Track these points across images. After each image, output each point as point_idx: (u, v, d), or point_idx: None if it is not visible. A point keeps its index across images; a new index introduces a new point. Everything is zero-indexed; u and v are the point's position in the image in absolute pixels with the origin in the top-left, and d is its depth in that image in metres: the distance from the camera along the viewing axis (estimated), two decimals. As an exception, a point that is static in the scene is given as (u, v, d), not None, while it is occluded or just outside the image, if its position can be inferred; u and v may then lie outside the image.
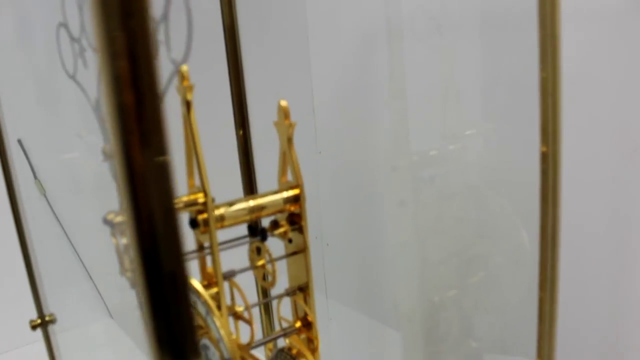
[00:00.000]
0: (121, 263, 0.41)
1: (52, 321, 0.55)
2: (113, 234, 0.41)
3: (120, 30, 0.19)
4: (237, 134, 0.67)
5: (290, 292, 0.52)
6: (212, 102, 0.88)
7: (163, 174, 0.20)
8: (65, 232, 1.58)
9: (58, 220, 1.58)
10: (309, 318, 0.52)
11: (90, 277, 1.53)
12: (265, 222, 0.52)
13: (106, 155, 0.40)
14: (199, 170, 0.43)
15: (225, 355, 0.41)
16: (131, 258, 0.42)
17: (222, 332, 0.40)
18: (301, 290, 0.52)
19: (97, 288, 1.54)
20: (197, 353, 0.22)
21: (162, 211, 0.21)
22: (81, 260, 1.55)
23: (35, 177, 1.55)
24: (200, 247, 0.47)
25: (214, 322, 0.41)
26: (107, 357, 1.35)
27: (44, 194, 1.56)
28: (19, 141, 1.52)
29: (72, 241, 1.57)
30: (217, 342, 0.41)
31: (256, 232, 0.49)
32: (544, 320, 0.47)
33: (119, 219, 0.39)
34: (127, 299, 1.45)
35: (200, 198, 0.43)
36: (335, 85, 0.81)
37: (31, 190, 1.55)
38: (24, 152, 1.52)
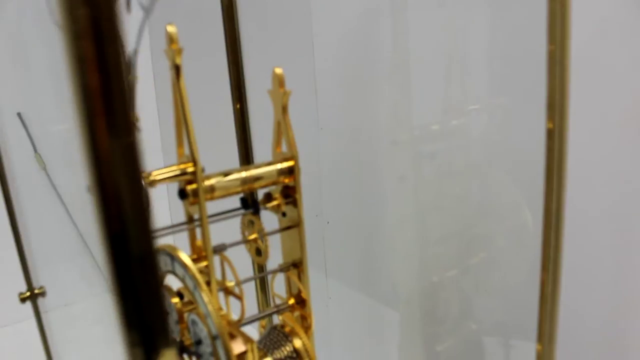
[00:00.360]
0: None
1: (42, 294, 0.54)
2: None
3: (83, 7, 0.17)
4: (234, 107, 0.65)
5: (284, 268, 0.50)
6: (209, 75, 0.86)
7: (129, 156, 0.19)
8: (65, 207, 1.57)
9: (58, 195, 1.57)
10: (303, 295, 0.51)
11: (89, 250, 1.52)
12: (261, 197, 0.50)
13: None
14: (188, 138, 0.41)
15: (213, 331, 0.39)
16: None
17: (209, 307, 0.39)
18: (295, 266, 0.50)
19: (96, 261, 1.53)
20: (167, 337, 0.21)
21: (129, 193, 0.20)
22: (80, 234, 1.54)
23: (35, 150, 1.54)
24: (190, 219, 0.45)
25: (201, 297, 0.40)
26: (104, 332, 1.35)
27: (44, 167, 1.55)
28: (19, 114, 1.50)
29: (72, 216, 1.57)
30: (204, 318, 0.40)
31: (249, 204, 0.48)
32: (545, 302, 0.45)
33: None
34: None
35: (190, 167, 0.41)
36: (337, 59, 0.79)
37: (31, 164, 1.54)
38: (24, 126, 1.51)
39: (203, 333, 0.41)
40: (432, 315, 0.74)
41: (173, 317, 0.46)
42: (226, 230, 0.49)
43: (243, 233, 0.50)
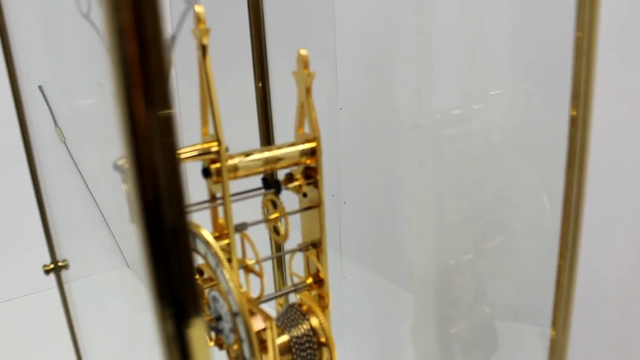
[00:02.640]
0: (131, 210, 0.40)
1: (65, 267, 0.56)
2: (124, 180, 0.40)
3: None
4: (256, 86, 0.66)
5: (303, 248, 0.51)
6: (231, 55, 0.87)
7: (166, 127, 0.20)
8: (84, 180, 1.59)
9: (77, 168, 1.59)
10: (321, 275, 0.52)
11: (107, 224, 1.54)
12: (280, 177, 0.51)
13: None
14: (214, 118, 0.42)
15: (234, 307, 0.40)
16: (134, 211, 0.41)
17: (230, 284, 0.40)
18: (314, 246, 0.51)
19: (113, 236, 1.56)
20: (198, 306, 0.21)
21: (165, 165, 0.20)
22: (99, 208, 1.56)
23: (55, 124, 1.55)
24: (213, 198, 0.46)
25: (223, 274, 0.40)
26: (123, 304, 1.37)
27: (64, 141, 1.57)
28: (40, 88, 1.52)
29: (91, 189, 1.59)
30: (225, 295, 0.41)
31: (270, 184, 0.48)
32: (562, 289, 0.45)
33: (122, 161, 0.38)
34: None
35: (214, 147, 0.42)
36: (359, 40, 0.78)
37: (52, 137, 1.56)
38: (45, 99, 1.52)
39: (224, 309, 0.42)
40: (446, 298, 0.75)
41: (194, 293, 0.47)
42: (246, 210, 0.49)
43: (264, 212, 0.50)
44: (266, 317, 0.43)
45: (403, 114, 0.65)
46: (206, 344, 0.22)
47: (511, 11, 0.58)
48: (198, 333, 0.22)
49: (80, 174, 1.58)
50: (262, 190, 0.48)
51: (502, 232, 0.68)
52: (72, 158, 1.57)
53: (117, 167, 0.39)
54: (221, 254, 0.41)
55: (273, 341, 0.43)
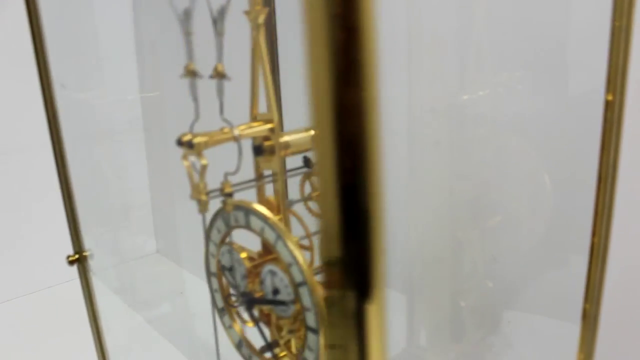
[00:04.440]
0: (194, 186, 0.41)
1: (90, 256, 0.55)
2: (185, 157, 0.40)
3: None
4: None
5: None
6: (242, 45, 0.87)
7: (370, 111, 0.20)
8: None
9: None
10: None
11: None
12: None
13: (189, 73, 0.40)
14: (268, 96, 0.43)
15: (299, 278, 0.41)
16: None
17: (296, 254, 0.41)
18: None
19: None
20: (383, 284, 0.22)
21: (366, 148, 0.20)
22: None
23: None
24: (260, 176, 0.47)
25: (285, 246, 0.42)
26: (159, 289, 1.33)
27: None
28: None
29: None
30: (288, 267, 0.42)
31: (309, 164, 0.50)
32: (595, 266, 0.48)
33: (198, 139, 0.39)
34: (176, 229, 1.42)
35: (269, 125, 0.43)
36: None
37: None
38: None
39: (283, 282, 0.43)
40: (450, 273, 0.78)
41: (240, 272, 0.48)
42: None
43: (302, 191, 0.51)
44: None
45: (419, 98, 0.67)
46: (384, 326, 0.22)
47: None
48: (380, 314, 0.22)
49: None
50: (308, 168, 0.49)
51: (501, 211, 0.71)
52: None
53: (182, 143, 0.39)
54: (282, 227, 0.42)
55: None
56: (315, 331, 0.42)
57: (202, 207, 0.41)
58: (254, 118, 0.45)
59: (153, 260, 1.46)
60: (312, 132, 0.47)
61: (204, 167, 0.40)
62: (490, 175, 0.68)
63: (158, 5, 1.22)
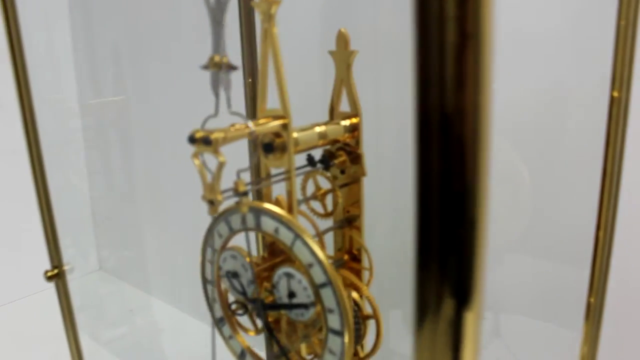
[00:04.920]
0: (207, 186, 0.38)
1: (69, 271, 0.50)
2: (196, 155, 0.38)
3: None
4: (245, 81, 0.64)
5: (340, 225, 0.51)
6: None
7: (479, 115, 0.19)
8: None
9: None
10: (354, 251, 0.52)
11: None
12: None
13: (212, 65, 0.37)
14: (280, 90, 0.41)
15: (321, 279, 0.40)
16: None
17: (319, 254, 0.39)
18: (349, 222, 0.51)
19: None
20: (481, 299, 0.21)
21: (476, 156, 0.19)
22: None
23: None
24: (268, 175, 0.45)
25: (306, 245, 0.40)
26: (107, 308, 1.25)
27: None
28: None
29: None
30: (308, 268, 0.40)
31: (320, 160, 0.48)
32: (600, 259, 0.48)
33: (216, 135, 0.36)
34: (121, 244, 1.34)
35: (281, 120, 0.41)
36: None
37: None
38: None
39: (301, 285, 0.41)
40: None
41: (247, 277, 0.45)
42: (281, 189, 0.48)
43: (303, 190, 0.50)
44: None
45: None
46: (479, 334, 0.21)
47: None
48: (477, 322, 0.21)
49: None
50: (318, 166, 0.48)
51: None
52: None
53: (195, 139, 0.37)
54: (301, 226, 0.40)
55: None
56: (339, 333, 0.40)
57: (215, 208, 0.39)
58: (262, 114, 0.43)
59: (97, 277, 1.39)
60: (321, 129, 0.46)
61: (221, 165, 0.37)
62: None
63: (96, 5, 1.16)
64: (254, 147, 0.61)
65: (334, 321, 0.40)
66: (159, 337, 1.18)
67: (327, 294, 0.40)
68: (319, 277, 0.40)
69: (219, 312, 0.50)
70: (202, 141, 0.37)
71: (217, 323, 0.51)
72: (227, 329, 0.50)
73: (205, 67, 0.37)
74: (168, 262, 1.20)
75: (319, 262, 0.39)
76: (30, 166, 0.49)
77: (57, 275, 0.50)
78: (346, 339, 0.40)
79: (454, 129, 0.19)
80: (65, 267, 0.51)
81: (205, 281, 0.50)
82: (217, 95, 0.38)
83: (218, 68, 0.37)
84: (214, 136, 0.37)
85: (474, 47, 0.18)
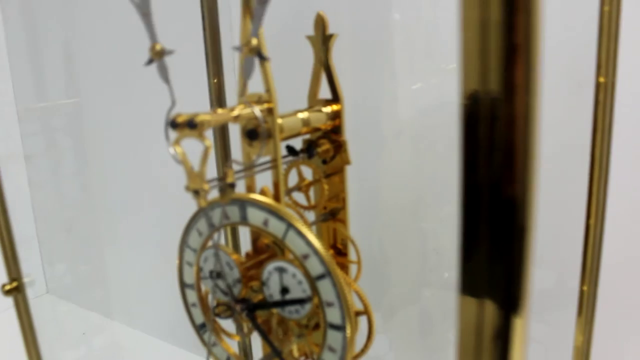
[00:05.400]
0: (192, 175, 0.35)
1: (30, 283, 0.46)
2: (177, 142, 0.35)
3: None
4: (210, 82, 0.61)
5: (327, 217, 0.49)
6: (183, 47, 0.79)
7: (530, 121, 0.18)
8: None
9: None
10: (339, 245, 0.50)
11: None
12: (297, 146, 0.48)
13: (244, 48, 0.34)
14: (264, 74, 0.38)
15: (319, 270, 0.37)
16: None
17: (316, 244, 0.37)
18: (332, 215, 0.49)
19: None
20: (529, 306, 0.20)
21: (527, 163, 0.19)
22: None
23: None
24: (251, 164, 0.42)
25: (300, 235, 0.37)
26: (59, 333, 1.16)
27: None
28: None
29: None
30: (303, 259, 0.37)
31: (303, 150, 0.46)
32: (591, 247, 0.48)
33: (201, 118, 0.33)
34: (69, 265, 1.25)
35: (266, 105, 0.39)
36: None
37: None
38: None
39: (296, 278, 0.38)
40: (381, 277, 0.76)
41: (233, 276, 0.42)
42: (265, 179, 0.45)
43: (285, 182, 0.47)
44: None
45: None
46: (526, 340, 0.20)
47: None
48: (524, 328, 0.20)
49: None
50: (301, 155, 0.45)
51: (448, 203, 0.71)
52: None
53: (178, 125, 0.34)
54: (293, 215, 0.38)
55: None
56: (339, 328, 0.38)
57: (202, 198, 0.36)
58: (243, 98, 0.40)
59: (45, 301, 1.30)
60: (304, 115, 0.43)
61: (207, 150, 0.34)
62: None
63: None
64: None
65: (333, 315, 0.38)
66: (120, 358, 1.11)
67: (325, 286, 0.37)
68: (315, 268, 0.37)
69: (199, 318, 0.47)
70: (187, 125, 0.34)
71: (198, 330, 0.47)
72: (208, 336, 0.47)
73: (150, 61, 0.34)
74: (124, 280, 1.14)
75: (316, 252, 0.37)
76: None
77: (16, 289, 0.45)
78: (348, 332, 0.37)
79: (505, 135, 0.18)
80: (25, 280, 0.46)
81: (183, 285, 0.47)
82: (168, 82, 0.35)
83: (160, 56, 0.34)
84: (199, 119, 0.34)
85: (523, 55, 0.17)
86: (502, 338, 0.20)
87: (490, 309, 0.20)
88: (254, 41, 0.34)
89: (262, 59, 0.35)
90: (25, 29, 1.11)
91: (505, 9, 0.17)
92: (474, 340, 0.20)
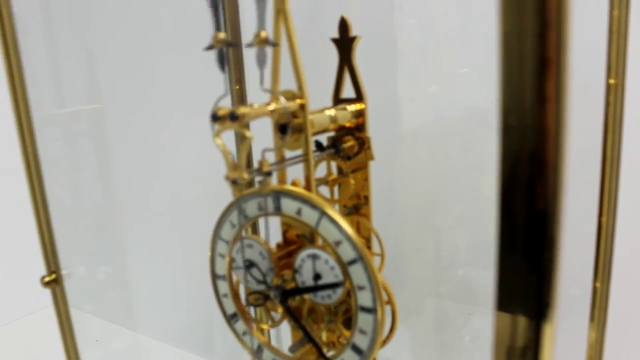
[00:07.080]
0: (232, 165, 0.37)
1: (68, 276, 0.48)
2: (218, 134, 0.37)
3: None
4: (232, 89, 0.63)
5: (351, 210, 0.51)
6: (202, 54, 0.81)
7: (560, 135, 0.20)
8: None
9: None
10: (363, 235, 0.52)
11: None
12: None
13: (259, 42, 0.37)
14: (296, 69, 0.41)
15: (351, 255, 0.39)
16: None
17: (348, 230, 0.39)
18: (356, 209, 0.51)
19: None
20: (557, 312, 0.22)
21: (557, 174, 0.20)
22: None
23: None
24: (282, 159, 0.44)
25: (333, 222, 0.39)
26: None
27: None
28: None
29: None
30: (336, 246, 0.40)
31: (330, 145, 0.48)
32: (603, 245, 0.49)
33: (242, 110, 0.36)
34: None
35: (298, 101, 0.41)
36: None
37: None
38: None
39: (327, 265, 0.40)
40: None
41: (265, 265, 0.44)
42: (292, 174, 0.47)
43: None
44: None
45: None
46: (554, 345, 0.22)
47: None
48: (552, 334, 0.22)
49: None
50: (331, 150, 0.48)
51: (447, 208, 0.73)
52: None
53: (220, 118, 0.36)
54: (326, 203, 0.40)
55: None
56: (371, 310, 0.40)
57: (240, 188, 0.38)
58: (275, 94, 0.42)
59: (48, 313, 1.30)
60: (332, 112, 0.46)
61: (248, 141, 0.36)
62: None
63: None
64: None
65: (364, 298, 0.40)
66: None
67: (357, 270, 0.39)
68: (347, 254, 0.39)
69: (230, 309, 0.49)
70: (229, 117, 0.36)
71: (229, 320, 0.49)
72: (240, 325, 0.49)
73: (210, 47, 0.37)
74: (138, 287, 1.16)
75: (348, 238, 0.39)
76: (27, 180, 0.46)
77: (54, 281, 0.47)
78: (379, 314, 0.39)
79: (537, 147, 0.20)
80: (63, 272, 0.48)
81: (215, 277, 0.49)
82: (224, 70, 0.37)
83: (224, 44, 0.36)
84: (240, 111, 0.36)
85: (555, 70, 0.19)
86: (533, 347, 0.21)
87: (522, 320, 0.21)
88: (263, 34, 0.37)
89: (273, 45, 0.38)
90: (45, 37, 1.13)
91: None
92: (506, 350, 0.22)
